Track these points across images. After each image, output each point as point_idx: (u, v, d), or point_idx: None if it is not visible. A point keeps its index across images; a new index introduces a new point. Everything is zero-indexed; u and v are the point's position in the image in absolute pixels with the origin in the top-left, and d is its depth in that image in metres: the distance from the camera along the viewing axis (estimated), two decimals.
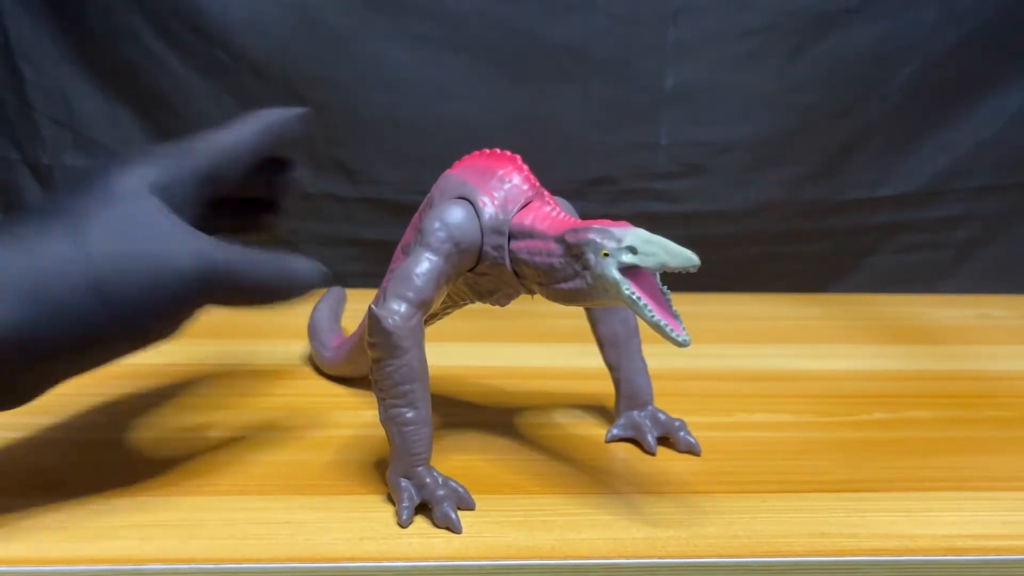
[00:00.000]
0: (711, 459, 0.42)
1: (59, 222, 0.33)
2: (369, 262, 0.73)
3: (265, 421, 0.45)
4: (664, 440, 0.44)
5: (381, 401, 0.37)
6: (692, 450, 0.43)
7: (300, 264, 0.38)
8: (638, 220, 0.36)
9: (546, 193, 0.39)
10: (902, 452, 0.44)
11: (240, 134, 0.40)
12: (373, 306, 0.36)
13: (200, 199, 0.38)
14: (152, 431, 0.44)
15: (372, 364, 0.36)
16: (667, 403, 0.45)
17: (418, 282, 0.36)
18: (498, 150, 0.40)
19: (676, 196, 0.73)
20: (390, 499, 0.37)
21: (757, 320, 0.68)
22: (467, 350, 0.56)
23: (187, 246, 0.35)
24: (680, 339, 0.33)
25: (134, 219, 0.34)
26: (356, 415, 0.46)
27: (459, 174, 0.40)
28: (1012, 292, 0.78)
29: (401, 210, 0.71)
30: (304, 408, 0.46)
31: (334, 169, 0.71)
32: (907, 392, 0.53)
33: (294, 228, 0.73)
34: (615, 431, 0.44)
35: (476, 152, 0.40)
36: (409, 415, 0.36)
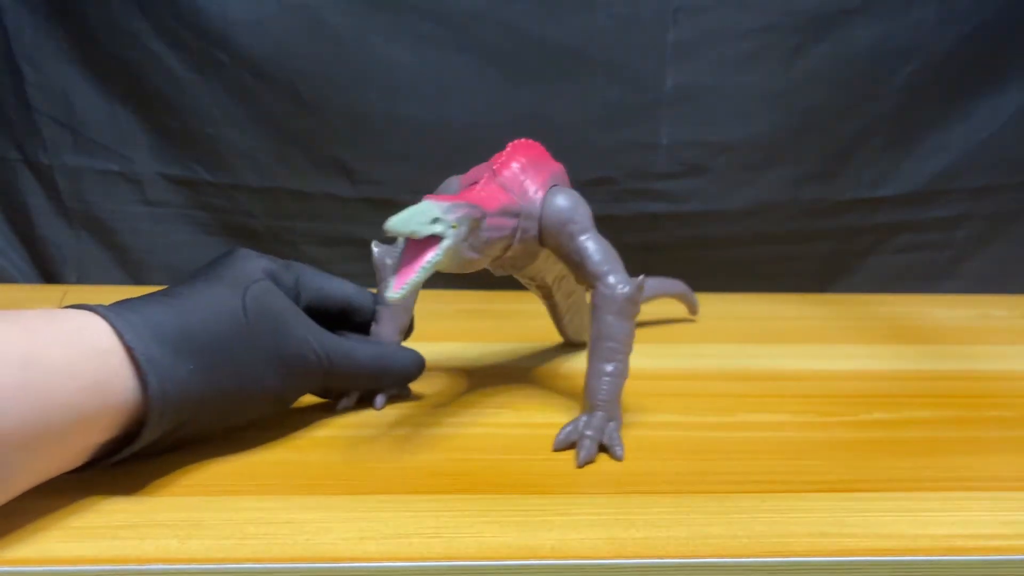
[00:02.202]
0: (711, 459, 0.42)
1: (219, 284, 0.39)
2: (369, 262, 0.72)
3: (265, 420, 0.45)
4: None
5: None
6: (612, 454, 0.42)
7: (401, 355, 0.46)
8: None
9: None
10: (902, 452, 0.44)
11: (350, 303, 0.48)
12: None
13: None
14: None
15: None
16: (666, 403, 0.45)
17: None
18: (521, 140, 0.46)
19: (676, 196, 0.73)
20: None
21: (757, 320, 0.68)
22: (467, 350, 0.56)
23: (312, 330, 0.41)
24: (388, 294, 0.37)
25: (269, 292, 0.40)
26: (357, 415, 0.46)
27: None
28: (1012, 292, 0.78)
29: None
30: (304, 407, 0.46)
31: (334, 169, 0.71)
32: (907, 392, 0.53)
33: (294, 228, 0.73)
34: (560, 436, 0.43)
35: (513, 145, 0.45)
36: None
